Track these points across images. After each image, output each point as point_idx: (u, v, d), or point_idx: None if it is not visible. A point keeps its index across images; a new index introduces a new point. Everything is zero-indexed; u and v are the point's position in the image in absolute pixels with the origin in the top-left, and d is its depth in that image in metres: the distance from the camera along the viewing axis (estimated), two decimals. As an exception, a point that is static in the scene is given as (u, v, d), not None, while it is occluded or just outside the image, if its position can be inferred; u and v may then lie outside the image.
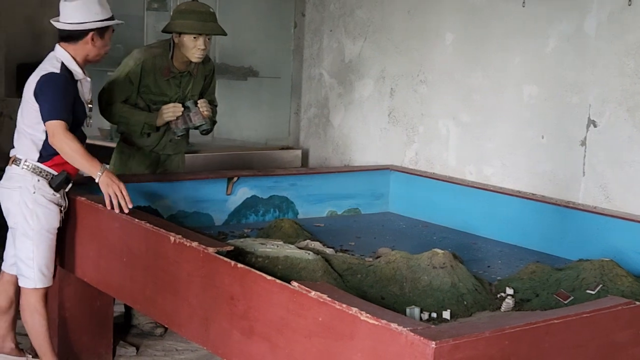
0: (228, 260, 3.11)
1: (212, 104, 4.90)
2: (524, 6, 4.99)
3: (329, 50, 6.45)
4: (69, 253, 4.16)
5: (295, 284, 2.78)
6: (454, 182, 5.17)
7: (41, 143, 3.89)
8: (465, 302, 3.44)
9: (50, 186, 3.92)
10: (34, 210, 3.89)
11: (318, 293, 2.67)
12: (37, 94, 3.84)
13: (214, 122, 4.82)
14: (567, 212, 4.48)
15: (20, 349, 4.21)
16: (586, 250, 4.12)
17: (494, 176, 5.18)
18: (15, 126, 4.09)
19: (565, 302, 3.44)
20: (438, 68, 5.58)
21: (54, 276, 4.07)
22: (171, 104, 4.59)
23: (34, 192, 3.89)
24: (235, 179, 4.90)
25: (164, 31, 4.67)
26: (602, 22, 4.60)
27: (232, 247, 3.30)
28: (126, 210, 3.73)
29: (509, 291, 3.61)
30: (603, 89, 4.60)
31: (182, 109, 4.58)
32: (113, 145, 5.03)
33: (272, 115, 6.73)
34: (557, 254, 4.40)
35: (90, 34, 3.93)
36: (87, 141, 4.18)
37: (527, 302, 3.53)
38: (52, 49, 4.04)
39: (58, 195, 3.96)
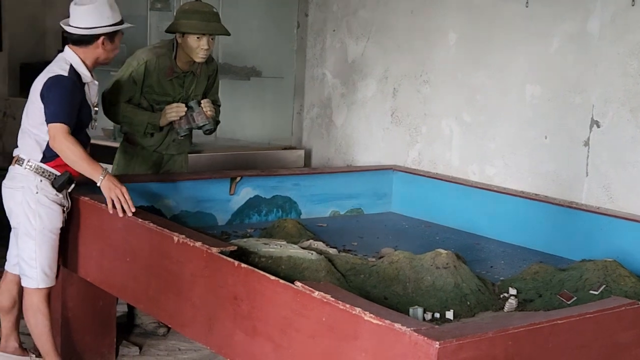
0: (231, 260, 3.11)
1: (216, 103, 4.90)
2: (527, 6, 4.99)
3: (332, 50, 6.45)
4: (72, 253, 4.17)
5: (298, 284, 2.78)
6: (457, 182, 5.17)
7: (45, 143, 3.89)
8: (468, 303, 3.44)
9: (53, 186, 3.92)
10: (36, 211, 3.90)
11: (321, 293, 2.67)
12: (43, 95, 3.85)
13: (217, 122, 4.83)
14: (570, 212, 4.48)
15: (23, 349, 4.22)
16: (589, 251, 4.12)
17: (497, 176, 5.18)
18: (18, 126, 4.10)
19: (569, 302, 3.44)
20: (441, 68, 5.58)
21: (56, 276, 4.08)
22: (174, 104, 4.60)
23: (37, 193, 3.89)
24: (238, 179, 4.91)
25: (167, 31, 4.67)
26: (605, 22, 4.60)
27: (235, 247, 3.30)
28: (129, 214, 3.73)
29: (512, 291, 3.61)
30: (606, 89, 4.60)
31: (186, 109, 4.58)
32: (116, 145, 5.04)
33: (275, 115, 6.73)
34: (560, 254, 4.40)
35: (101, 38, 3.93)
36: (91, 141, 4.19)
37: (530, 303, 3.53)
38: (55, 49, 4.05)
39: (61, 195, 3.97)
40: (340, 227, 4.93)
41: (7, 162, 4.14)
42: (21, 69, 8.62)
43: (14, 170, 3.97)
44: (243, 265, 3.05)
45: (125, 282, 3.86)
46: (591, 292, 3.50)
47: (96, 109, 4.10)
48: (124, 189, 3.77)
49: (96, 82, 4.09)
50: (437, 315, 3.31)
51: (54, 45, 8.78)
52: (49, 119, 3.81)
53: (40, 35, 8.92)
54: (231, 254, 3.20)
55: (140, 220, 3.67)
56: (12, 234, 4.06)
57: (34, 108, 3.90)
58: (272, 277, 2.90)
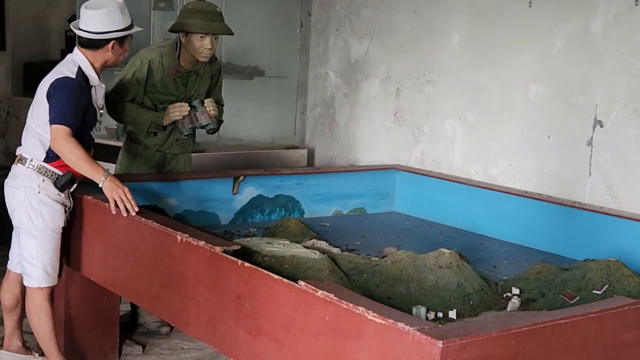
0: (235, 259, 3.11)
1: (219, 103, 4.90)
2: (530, 6, 4.99)
3: (335, 49, 6.45)
4: (75, 252, 4.17)
5: (302, 283, 2.78)
6: (460, 182, 5.17)
7: (48, 143, 3.89)
8: (471, 302, 3.44)
9: (55, 186, 3.93)
10: (38, 210, 3.90)
11: (325, 292, 2.68)
12: (49, 96, 3.86)
13: (220, 122, 4.83)
14: (573, 212, 4.47)
15: (27, 347, 4.23)
16: (592, 251, 4.12)
17: (500, 176, 5.18)
18: (22, 125, 4.10)
19: (572, 302, 3.44)
20: (444, 68, 5.58)
21: (59, 275, 4.08)
22: (178, 103, 4.60)
23: (39, 192, 3.90)
24: (242, 178, 4.91)
25: (170, 30, 4.67)
26: (609, 22, 4.59)
27: (238, 246, 3.30)
28: (133, 214, 3.73)
29: (515, 291, 3.61)
30: (610, 89, 4.59)
31: (189, 108, 4.59)
32: (119, 144, 5.04)
33: (278, 115, 6.73)
34: (563, 254, 4.40)
35: (111, 42, 3.94)
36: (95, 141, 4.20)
37: (533, 302, 3.53)
38: (59, 49, 4.05)
39: (63, 195, 3.97)
40: (343, 227, 4.93)
41: (10, 161, 4.15)
42: (24, 69, 8.63)
43: (16, 169, 3.98)
44: (246, 264, 3.05)
45: (128, 281, 3.86)
46: (594, 291, 3.50)
47: (102, 111, 4.12)
48: (126, 189, 3.78)
49: (103, 86, 4.10)
50: (440, 314, 3.32)
51: (58, 45, 8.80)
52: (53, 120, 3.81)
53: (44, 35, 8.92)
54: (234, 253, 3.20)
55: (143, 219, 3.67)
56: (14, 233, 4.07)
57: (39, 108, 3.91)
58: (276, 277, 2.90)
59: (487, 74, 5.27)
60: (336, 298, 2.63)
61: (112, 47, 3.95)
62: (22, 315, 4.19)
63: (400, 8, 5.89)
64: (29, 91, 8.00)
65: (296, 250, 3.55)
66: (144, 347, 4.65)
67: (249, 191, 4.95)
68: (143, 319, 4.87)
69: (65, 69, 3.92)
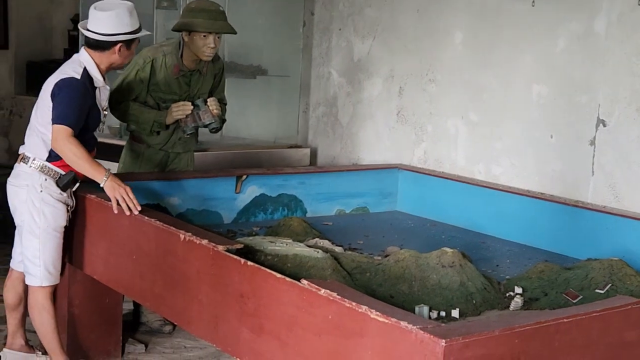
0: (238, 258, 3.12)
1: (222, 102, 4.90)
2: (533, 6, 4.98)
3: (338, 49, 6.45)
4: (78, 250, 4.18)
5: (304, 282, 2.78)
6: (463, 182, 5.17)
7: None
8: (474, 301, 3.44)
9: (58, 185, 3.93)
10: (40, 209, 3.91)
11: (328, 291, 2.68)
12: (53, 95, 3.86)
13: (223, 121, 4.83)
14: (576, 211, 4.47)
15: (30, 346, 4.23)
16: (595, 250, 4.12)
17: (502, 175, 5.18)
18: (25, 124, 4.10)
19: (574, 301, 3.44)
20: (447, 67, 5.57)
21: (62, 274, 4.09)
22: (181, 102, 4.61)
23: (41, 191, 3.90)
24: (244, 177, 4.91)
25: (174, 30, 4.67)
26: (612, 22, 4.59)
27: (241, 245, 3.31)
28: (135, 212, 3.74)
29: (518, 290, 3.61)
30: (612, 88, 4.59)
31: (192, 107, 4.59)
32: (122, 143, 5.05)
33: (281, 114, 6.73)
34: (565, 253, 4.40)
35: (119, 45, 3.94)
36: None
37: (536, 301, 3.53)
38: (62, 48, 4.06)
39: (65, 194, 3.98)
40: (345, 226, 4.93)
41: (13, 159, 4.15)
42: (27, 68, 8.64)
43: (19, 168, 3.98)
44: (249, 263, 3.06)
45: (131, 280, 3.87)
46: (597, 291, 3.50)
47: (105, 112, 4.13)
48: (128, 189, 3.79)
49: (107, 87, 4.11)
50: (443, 313, 3.31)
51: (61, 44, 8.80)
52: (55, 120, 3.82)
53: (47, 33, 8.93)
54: (237, 252, 3.20)
55: (146, 218, 3.68)
56: (16, 232, 4.07)
57: (43, 107, 3.91)
58: (279, 275, 2.90)
59: (490, 74, 5.27)
60: (339, 297, 2.63)
61: (119, 50, 3.96)
62: (25, 313, 4.19)
63: (403, 7, 5.89)
64: (32, 90, 8.01)
65: (299, 249, 3.55)
66: (146, 346, 4.65)
67: (251, 190, 4.95)
68: (146, 317, 4.87)
69: (70, 69, 3.92)
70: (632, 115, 4.50)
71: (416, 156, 5.77)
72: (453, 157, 5.52)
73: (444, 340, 2.29)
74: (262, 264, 3.13)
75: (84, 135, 3.93)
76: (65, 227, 4.03)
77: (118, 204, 3.76)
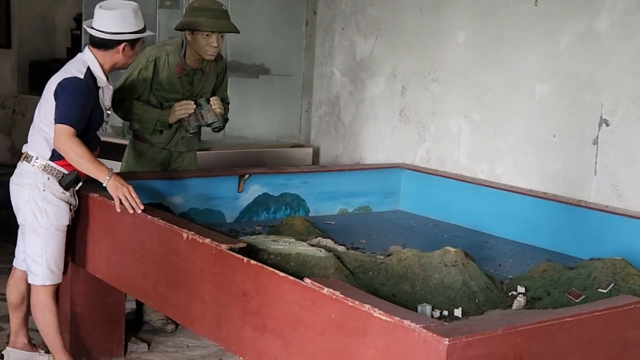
0: (241, 256, 3.12)
1: (224, 101, 4.91)
2: (536, 5, 4.98)
3: (341, 48, 6.45)
4: (80, 249, 4.18)
5: (308, 280, 2.78)
6: (465, 181, 5.17)
7: (54, 142, 3.91)
8: (476, 300, 3.44)
9: (60, 185, 3.93)
10: (43, 208, 3.91)
11: (331, 290, 2.68)
12: (56, 95, 3.87)
13: (225, 120, 4.83)
14: (578, 210, 4.47)
15: (33, 344, 4.24)
16: (598, 249, 4.12)
17: (505, 175, 5.18)
18: (27, 123, 4.11)
19: (577, 300, 3.44)
20: (450, 66, 5.57)
21: (64, 272, 4.09)
22: (184, 102, 4.61)
23: (44, 190, 3.91)
24: (247, 176, 4.92)
25: (176, 29, 4.68)
26: (615, 21, 4.59)
27: (244, 244, 3.31)
28: (138, 211, 3.74)
29: (521, 289, 3.61)
30: (615, 87, 4.59)
31: (195, 106, 4.59)
32: (125, 142, 5.05)
33: (284, 113, 6.73)
34: (568, 252, 4.40)
35: (123, 44, 3.95)
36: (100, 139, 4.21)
37: (539, 301, 3.53)
38: (65, 47, 4.06)
39: (68, 193, 3.98)
40: (348, 225, 4.94)
41: (16, 158, 4.16)
42: (30, 67, 8.65)
43: (22, 166, 3.98)
44: (252, 261, 3.06)
45: (134, 279, 3.87)
46: (600, 290, 3.50)
47: (108, 112, 4.13)
48: (130, 188, 3.79)
49: (111, 87, 4.12)
50: (446, 312, 3.32)
51: (64, 43, 8.81)
52: (57, 119, 3.82)
53: (49, 32, 8.94)
54: (240, 251, 3.21)
55: (149, 217, 3.68)
56: (19, 231, 4.08)
57: (46, 106, 3.92)
58: (282, 274, 2.90)
59: (493, 73, 5.27)
60: (342, 295, 2.63)
61: (123, 49, 3.96)
62: (28, 312, 4.20)
63: (405, 7, 5.89)
64: (35, 89, 8.02)
65: (302, 248, 3.55)
66: (149, 345, 4.65)
67: (254, 189, 4.96)
68: (148, 316, 4.88)
69: (74, 68, 3.92)
70: (635, 114, 4.50)
71: (419, 155, 5.77)
72: (455, 157, 5.51)
73: (447, 339, 2.29)
74: (265, 262, 3.13)
75: (87, 134, 3.93)
76: (68, 226, 4.04)
77: (121, 203, 3.77)
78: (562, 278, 3.67)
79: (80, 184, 4.01)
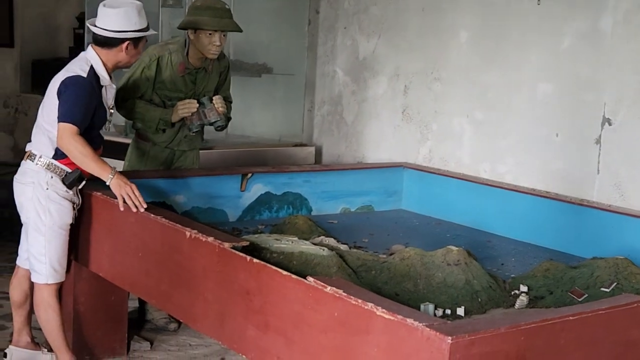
0: (244, 255, 3.12)
1: (227, 100, 4.91)
2: (539, 4, 4.98)
3: (343, 47, 6.45)
4: (84, 248, 4.18)
5: (311, 279, 2.78)
6: (468, 180, 5.17)
7: (57, 141, 3.91)
8: (479, 299, 3.44)
9: (64, 183, 3.94)
10: (46, 207, 3.92)
11: (334, 288, 2.68)
12: (59, 93, 3.87)
13: (228, 119, 4.84)
14: (581, 210, 4.47)
15: (35, 343, 4.24)
16: (600, 248, 4.12)
17: (508, 174, 5.18)
18: (30, 122, 4.11)
19: (580, 299, 3.44)
20: (452, 66, 5.57)
21: (67, 271, 4.10)
22: (186, 100, 4.61)
23: (47, 189, 3.91)
24: (250, 175, 4.92)
25: (179, 28, 4.68)
26: (618, 20, 4.59)
27: (247, 243, 3.31)
28: (142, 210, 3.75)
29: (523, 288, 3.61)
30: (618, 87, 4.59)
31: (197, 105, 4.60)
32: (128, 141, 5.05)
33: (286, 112, 6.74)
34: (571, 252, 4.40)
35: (126, 42, 3.95)
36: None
37: (541, 300, 3.53)
38: (67, 46, 4.07)
39: (71, 192, 3.98)
40: (350, 224, 4.94)
41: (19, 158, 4.16)
42: (33, 66, 8.65)
43: (25, 165, 3.99)
44: (255, 260, 3.06)
45: (137, 277, 3.87)
46: (602, 289, 3.50)
47: (111, 111, 4.13)
48: (133, 186, 3.79)
49: (114, 86, 4.12)
50: (448, 311, 3.32)
51: (66, 42, 8.81)
52: (61, 118, 3.83)
53: (52, 32, 8.94)
54: (243, 250, 3.21)
55: (152, 215, 3.68)
56: (23, 229, 4.08)
57: (49, 105, 3.92)
58: (285, 272, 2.90)
59: (495, 72, 5.27)
60: (345, 294, 2.64)
61: (126, 48, 3.97)
62: (31, 311, 4.20)
63: (408, 6, 5.89)
64: (37, 88, 8.03)
65: (305, 246, 3.55)
66: (152, 344, 4.66)
67: (256, 188, 4.96)
68: (151, 315, 4.88)
69: (77, 67, 3.93)
70: (638, 114, 4.50)
71: (421, 155, 5.78)
72: (458, 156, 5.52)
73: (450, 338, 2.29)
74: (267, 261, 3.13)
75: (90, 133, 3.94)
76: (71, 224, 4.04)
77: (124, 201, 3.77)
78: (564, 277, 3.67)
79: (84, 182, 4.02)
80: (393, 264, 3.62)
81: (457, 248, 3.62)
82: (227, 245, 3.21)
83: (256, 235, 3.83)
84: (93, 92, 3.91)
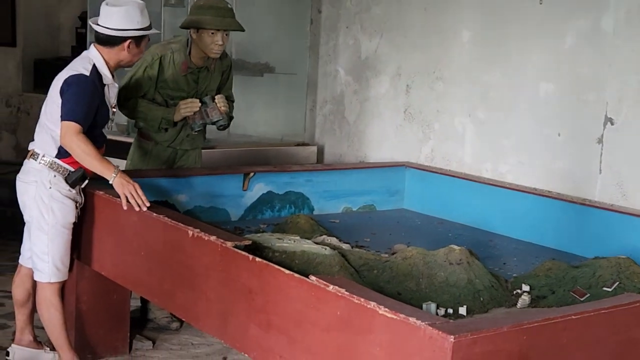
0: (246, 254, 3.12)
1: (229, 99, 4.91)
2: (541, 3, 4.98)
3: (345, 47, 6.46)
4: (86, 246, 4.19)
5: (313, 278, 2.79)
6: (470, 180, 5.17)
7: (60, 139, 3.91)
8: (481, 299, 3.45)
9: (67, 182, 3.94)
10: (49, 205, 3.92)
11: (336, 287, 2.68)
12: (62, 92, 3.87)
13: (230, 118, 4.84)
14: (583, 209, 4.47)
15: (38, 342, 4.25)
16: (602, 248, 4.12)
17: (510, 173, 5.18)
18: (32, 121, 4.11)
19: (582, 299, 3.44)
20: (454, 65, 5.57)
21: (70, 270, 4.10)
22: (189, 100, 4.61)
23: (50, 187, 3.92)
24: (252, 174, 4.93)
25: (182, 27, 4.68)
26: (619, 20, 4.59)
27: (250, 242, 3.31)
28: (144, 209, 3.75)
29: (525, 288, 3.61)
30: (620, 86, 4.59)
31: (200, 104, 4.60)
32: (130, 140, 5.06)
33: (288, 112, 6.74)
34: (573, 251, 4.40)
35: (128, 41, 3.96)
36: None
37: (543, 299, 3.53)
38: (69, 45, 4.07)
39: (74, 191, 3.99)
40: (352, 223, 4.94)
41: (21, 157, 4.16)
42: (35, 65, 8.66)
43: (28, 164, 3.99)
44: (258, 259, 3.06)
45: (139, 276, 3.88)
46: (604, 289, 3.50)
47: (114, 109, 4.14)
48: (136, 185, 3.80)
49: (116, 85, 4.13)
50: (451, 311, 3.32)
51: (68, 41, 8.81)
52: (64, 117, 3.83)
53: (54, 31, 8.95)
54: (245, 248, 3.21)
55: (155, 214, 3.69)
56: (25, 228, 4.09)
57: (52, 103, 3.93)
58: (287, 271, 2.91)
59: (497, 72, 5.27)
60: (347, 293, 2.64)
61: (129, 46, 3.97)
62: (33, 309, 4.21)
63: (410, 5, 5.89)
64: (40, 87, 8.04)
65: (307, 246, 3.56)
66: (154, 343, 4.66)
67: (259, 188, 4.97)
68: (153, 314, 4.88)
69: (79, 65, 3.93)
70: (640, 113, 4.50)
71: (423, 154, 5.78)
72: (460, 155, 5.52)
73: (452, 336, 2.29)
74: (270, 260, 3.14)
75: (93, 132, 3.94)
76: (74, 223, 4.04)
77: (127, 200, 3.78)
78: (566, 276, 3.68)
79: (87, 181, 4.02)
80: (395, 263, 3.63)
81: (459, 247, 3.62)
82: (229, 244, 3.21)
83: (258, 235, 3.83)
84: (95, 90, 3.92)
